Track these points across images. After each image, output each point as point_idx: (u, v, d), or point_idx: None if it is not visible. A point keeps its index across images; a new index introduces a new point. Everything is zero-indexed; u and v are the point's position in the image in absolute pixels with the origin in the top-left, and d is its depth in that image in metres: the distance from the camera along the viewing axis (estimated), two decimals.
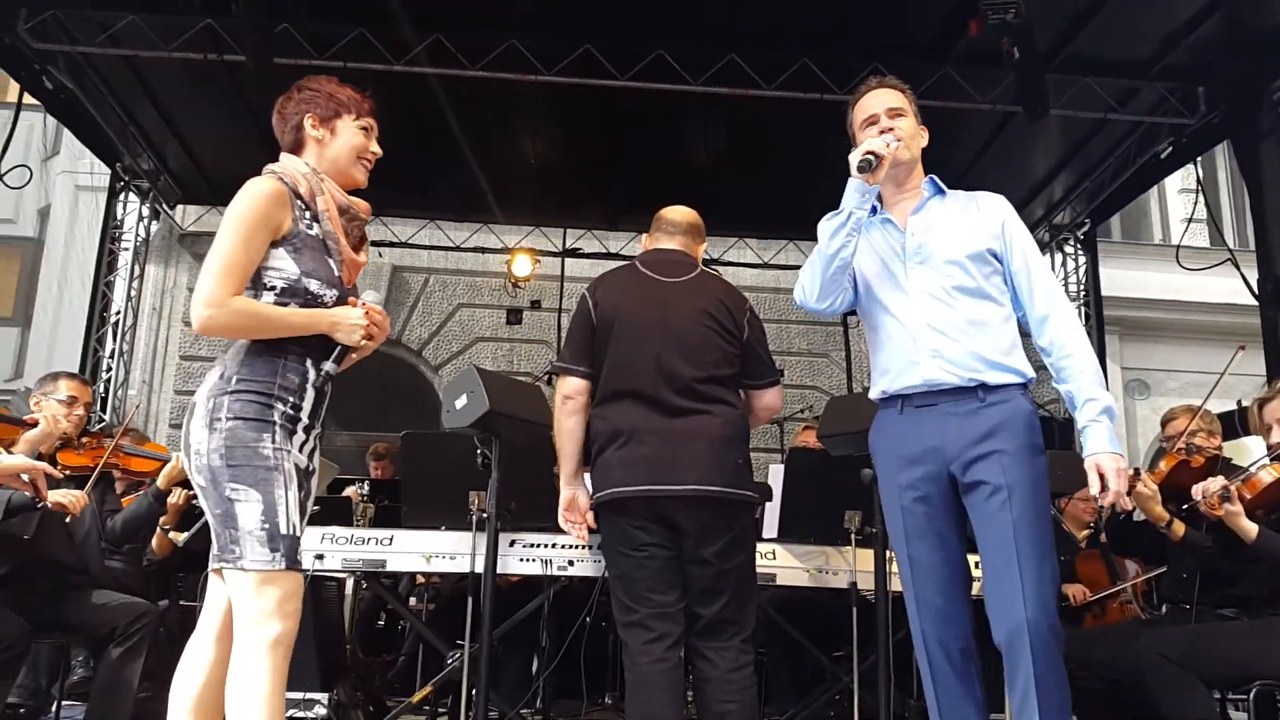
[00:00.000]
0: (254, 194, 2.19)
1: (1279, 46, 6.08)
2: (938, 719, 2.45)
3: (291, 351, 2.22)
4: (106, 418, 7.84)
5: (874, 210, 2.64)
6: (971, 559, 2.51)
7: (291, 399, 2.21)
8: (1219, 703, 3.37)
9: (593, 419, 3.04)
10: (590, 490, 3.08)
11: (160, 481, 3.86)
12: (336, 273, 2.28)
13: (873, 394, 2.65)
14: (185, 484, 4.03)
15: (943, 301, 2.49)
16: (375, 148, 2.36)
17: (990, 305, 2.49)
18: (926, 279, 2.52)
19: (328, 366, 2.26)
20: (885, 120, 2.58)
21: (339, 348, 2.26)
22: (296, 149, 2.34)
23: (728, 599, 2.92)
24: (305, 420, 2.25)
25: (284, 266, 2.21)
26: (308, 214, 2.25)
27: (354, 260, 2.33)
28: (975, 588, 2.47)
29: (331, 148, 2.31)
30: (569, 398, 3.05)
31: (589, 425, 3.05)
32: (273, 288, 2.21)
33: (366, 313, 2.26)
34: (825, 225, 2.57)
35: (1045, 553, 2.32)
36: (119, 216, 8.32)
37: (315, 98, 2.32)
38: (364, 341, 2.26)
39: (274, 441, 2.16)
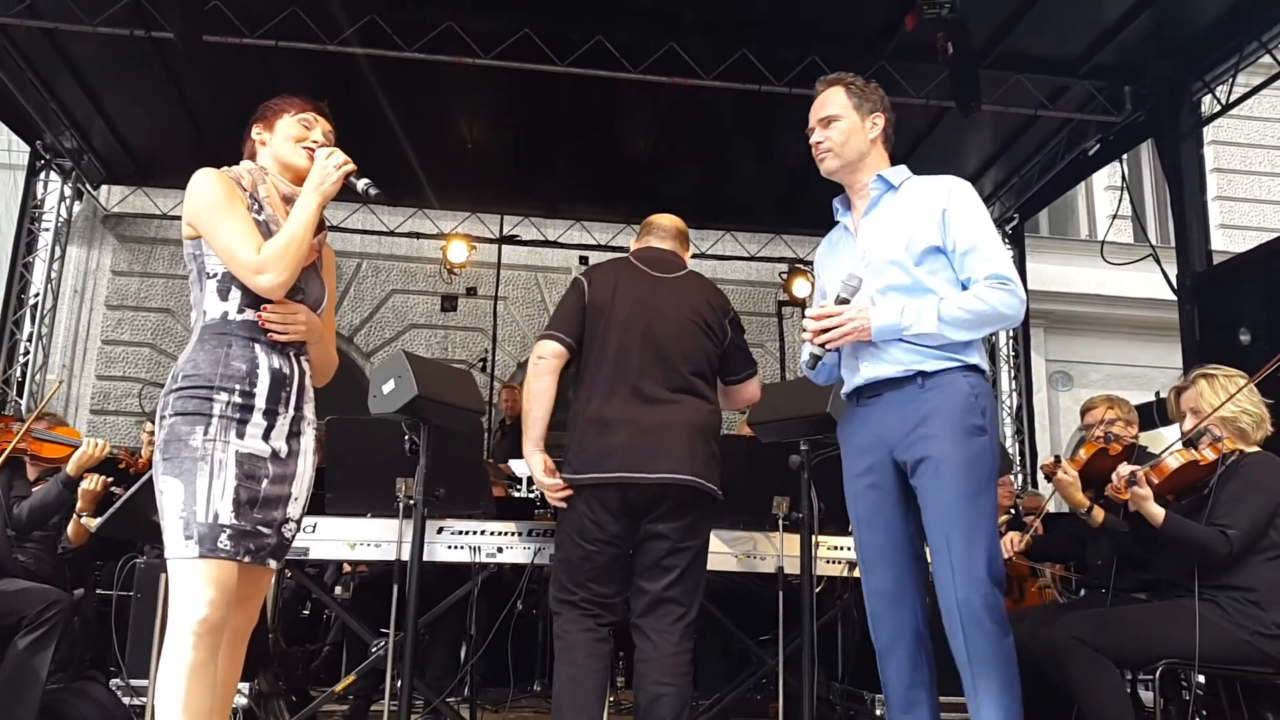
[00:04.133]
0: (203, 180, 2.25)
1: (1201, 49, 6.28)
2: (888, 700, 2.49)
3: (236, 337, 2.24)
4: (23, 403, 7.59)
5: (838, 210, 2.70)
6: None
7: (239, 387, 2.20)
8: (1129, 683, 3.47)
9: (574, 401, 3.08)
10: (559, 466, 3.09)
11: (70, 468, 3.73)
12: None
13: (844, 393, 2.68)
14: (100, 469, 3.91)
15: (875, 303, 2.49)
16: (316, 136, 2.39)
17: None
18: (870, 282, 2.51)
19: (361, 183, 2.35)
20: (818, 132, 2.62)
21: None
22: (250, 158, 2.43)
23: (677, 576, 2.96)
24: (263, 405, 2.23)
25: None
26: (253, 202, 2.30)
27: None
28: None
29: (271, 144, 2.39)
30: (542, 358, 3.08)
31: (569, 407, 3.08)
32: (215, 275, 2.25)
33: (330, 154, 2.33)
34: (804, 357, 2.62)
35: (977, 527, 2.34)
36: (39, 196, 8.06)
37: (264, 111, 2.43)
38: (349, 165, 2.33)
39: (207, 433, 2.16)
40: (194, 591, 2.08)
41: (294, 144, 2.37)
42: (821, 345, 2.48)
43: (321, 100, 2.49)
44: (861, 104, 2.62)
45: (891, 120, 2.67)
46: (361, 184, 2.36)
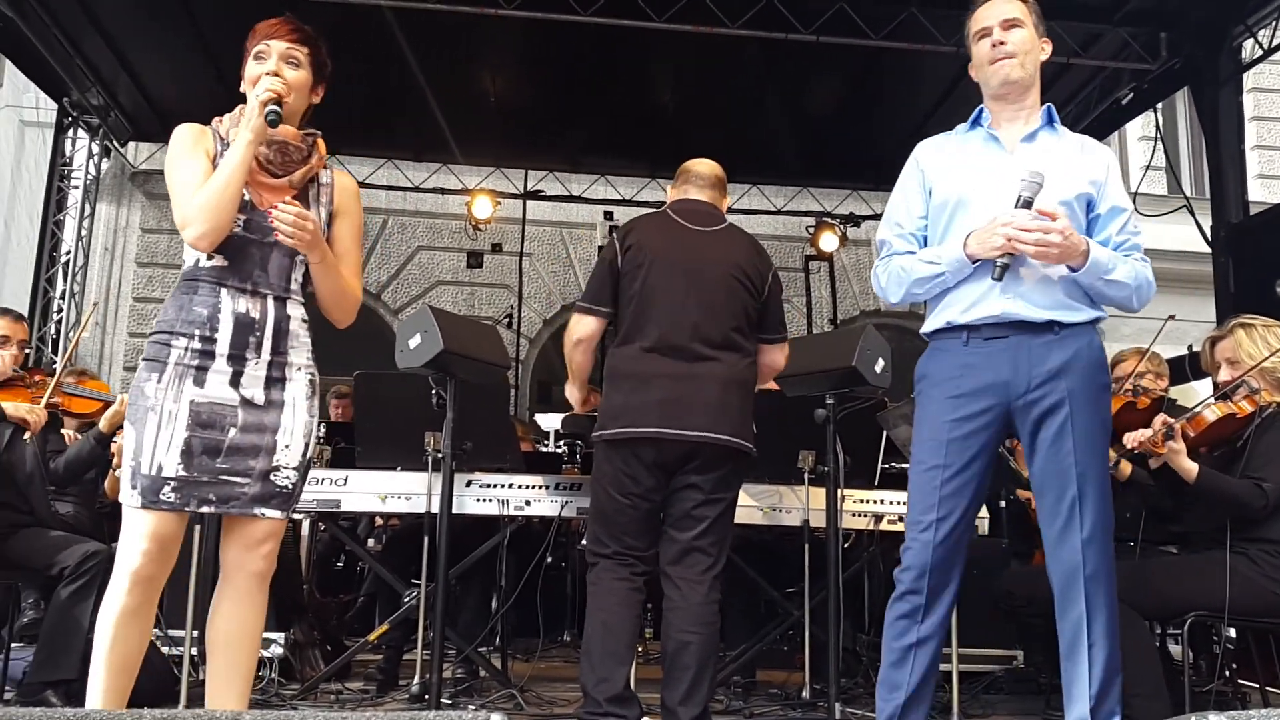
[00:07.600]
0: (175, 134, 2.31)
1: None
2: (909, 645, 2.43)
3: (202, 282, 2.22)
4: (58, 360, 7.70)
5: (977, 118, 2.53)
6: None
7: (199, 332, 2.18)
8: (1158, 636, 3.46)
9: (611, 355, 3.10)
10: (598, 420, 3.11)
11: (102, 424, 3.78)
12: (245, 197, 2.24)
13: (933, 324, 2.47)
14: None
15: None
16: (268, 66, 2.27)
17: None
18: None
19: (268, 110, 2.20)
20: (998, 33, 2.42)
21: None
22: None
23: (707, 526, 2.99)
24: (226, 350, 2.19)
25: None
26: (223, 148, 2.28)
27: (266, 183, 2.28)
28: None
29: (250, 90, 2.31)
30: (583, 340, 3.13)
31: (605, 360, 3.13)
32: None
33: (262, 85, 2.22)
34: (920, 267, 2.45)
35: (1104, 487, 2.33)
36: (67, 154, 8.11)
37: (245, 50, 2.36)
38: (271, 91, 2.20)
39: (159, 381, 2.16)
40: (132, 541, 2.11)
41: (253, 87, 2.26)
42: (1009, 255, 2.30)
43: (333, 44, 2.40)
44: (1039, 24, 2.48)
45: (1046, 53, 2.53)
46: (268, 111, 2.20)
